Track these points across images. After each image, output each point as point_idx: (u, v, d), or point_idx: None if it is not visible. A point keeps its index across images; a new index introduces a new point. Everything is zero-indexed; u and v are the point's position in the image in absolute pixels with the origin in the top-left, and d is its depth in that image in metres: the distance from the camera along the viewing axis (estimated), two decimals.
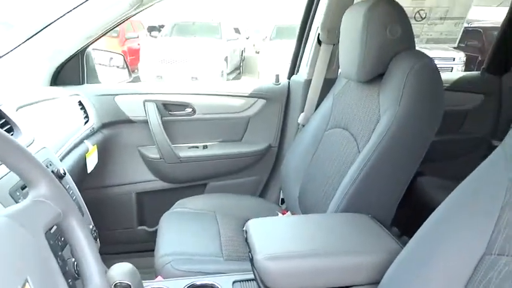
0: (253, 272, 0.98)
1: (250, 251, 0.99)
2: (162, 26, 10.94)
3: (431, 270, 0.75)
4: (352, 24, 1.26)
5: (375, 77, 1.24)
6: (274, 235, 1.05)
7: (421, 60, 1.16)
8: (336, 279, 0.94)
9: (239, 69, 10.59)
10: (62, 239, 0.85)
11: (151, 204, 1.87)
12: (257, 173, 1.95)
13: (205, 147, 1.87)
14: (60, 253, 0.76)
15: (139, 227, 1.88)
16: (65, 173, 1.01)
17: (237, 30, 11.72)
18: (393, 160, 1.17)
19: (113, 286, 0.73)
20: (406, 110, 1.13)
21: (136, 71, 8.41)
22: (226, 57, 8.69)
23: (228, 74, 8.98)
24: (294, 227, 1.13)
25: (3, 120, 1.03)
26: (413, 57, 1.17)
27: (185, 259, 1.26)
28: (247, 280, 1.14)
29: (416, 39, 2.04)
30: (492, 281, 0.65)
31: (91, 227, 1.05)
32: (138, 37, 9.53)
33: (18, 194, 0.86)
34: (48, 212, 0.58)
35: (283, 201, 1.91)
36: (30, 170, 0.58)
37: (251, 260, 0.98)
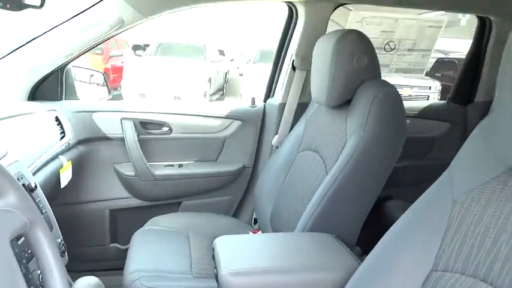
0: (218, 287, 1.01)
1: (215, 267, 1.02)
2: (147, 45, 11.00)
3: (384, 285, 0.80)
4: (322, 53, 1.34)
5: (343, 102, 1.31)
6: (240, 252, 1.09)
7: (385, 89, 1.23)
8: None
9: (222, 91, 10.70)
10: (29, 250, 0.87)
11: (125, 221, 1.88)
12: (231, 193, 1.98)
13: (180, 166, 1.90)
14: (24, 261, 0.78)
15: (112, 244, 1.87)
16: (36, 187, 1.03)
17: (221, 52, 11.87)
18: (358, 182, 1.23)
19: None
20: (370, 135, 1.20)
21: (119, 88, 8.41)
22: (210, 78, 8.79)
23: (211, 95, 9.06)
24: (260, 244, 1.17)
25: None
26: (377, 86, 1.25)
27: (154, 276, 1.28)
28: None
29: (386, 69, 2.16)
30: None
31: (59, 240, 1.06)
32: (122, 55, 9.57)
33: None
34: (14, 221, 0.61)
35: (256, 221, 1.94)
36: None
37: (216, 276, 1.01)
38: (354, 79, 1.28)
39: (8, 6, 0.84)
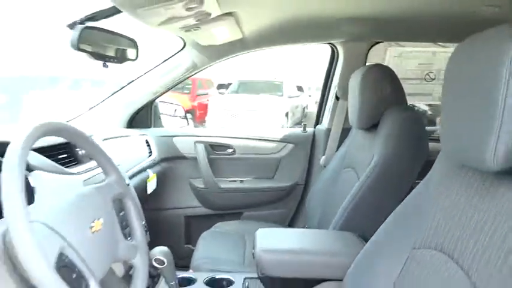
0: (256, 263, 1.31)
1: (253, 247, 1.33)
2: (230, 84, 11.92)
3: (377, 263, 1.03)
4: (354, 84, 1.61)
5: (371, 126, 1.55)
6: (273, 238, 1.39)
7: (406, 114, 1.45)
8: (309, 272, 1.24)
9: (300, 124, 11.06)
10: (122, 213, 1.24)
11: (196, 226, 2.26)
12: (286, 206, 2.28)
13: (242, 181, 2.26)
14: (120, 213, 1.15)
15: (185, 245, 2.26)
16: (128, 184, 1.45)
17: (299, 88, 12.35)
18: (380, 192, 1.45)
19: (152, 260, 1.12)
20: (391, 153, 1.40)
21: (203, 124, 9.20)
22: (287, 112, 9.25)
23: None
24: (291, 235, 1.46)
25: None
26: (399, 111, 1.47)
27: (213, 261, 1.62)
28: (256, 278, 1.46)
29: (430, 97, 2.34)
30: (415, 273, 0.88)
31: (143, 222, 1.45)
32: (207, 94, 10.47)
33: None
34: (114, 189, 1.00)
35: None
36: (107, 165, 1.01)
37: (253, 254, 1.32)
38: (379, 105, 1.52)
39: (114, 60, 1.28)
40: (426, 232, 0.87)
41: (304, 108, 11.77)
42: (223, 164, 2.27)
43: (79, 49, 1.09)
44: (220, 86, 12.16)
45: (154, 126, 2.27)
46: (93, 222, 0.84)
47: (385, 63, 2.12)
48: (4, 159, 0.68)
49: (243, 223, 2.11)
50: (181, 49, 1.87)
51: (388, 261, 0.98)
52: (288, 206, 2.29)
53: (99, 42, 1.18)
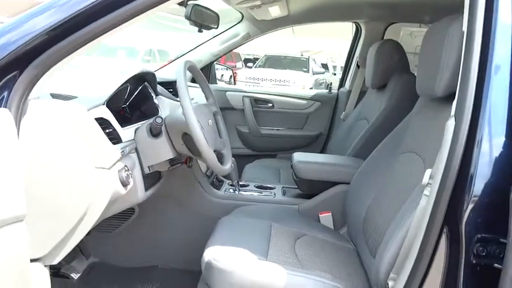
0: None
1: (291, 161, 1.91)
2: (257, 59, 12.42)
3: (374, 168, 1.60)
4: (371, 55, 2.12)
5: (381, 86, 2.10)
6: (305, 156, 1.97)
7: (407, 77, 1.97)
8: (328, 177, 1.84)
9: None
10: None
11: (240, 162, 2.87)
12: (311, 151, 2.87)
13: (278, 129, 2.86)
14: None
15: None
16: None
17: (325, 66, 12.75)
18: (382, 131, 2.01)
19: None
20: (394, 104, 1.98)
21: None
22: (311, 88, 9.74)
23: None
24: (316, 155, 2.05)
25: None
26: (403, 76, 1.99)
27: (258, 179, 2.20)
28: (288, 187, 2.03)
29: None
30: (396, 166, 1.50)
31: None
32: (235, 66, 11.01)
33: None
34: (212, 107, 1.59)
35: None
36: (208, 91, 1.61)
37: (291, 165, 1.90)
38: (388, 70, 2.05)
39: (205, 28, 1.86)
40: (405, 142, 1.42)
41: (328, 86, 12.15)
42: (264, 115, 2.87)
43: (190, 19, 1.68)
44: (247, 60, 12.70)
45: (211, 83, 2.87)
46: (209, 119, 1.45)
47: (399, 40, 2.65)
48: (177, 78, 1.28)
49: (276, 161, 2.71)
50: (239, 22, 2.45)
51: (383, 164, 1.49)
52: (313, 151, 2.88)
53: (199, 15, 1.76)
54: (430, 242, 0.88)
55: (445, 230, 0.87)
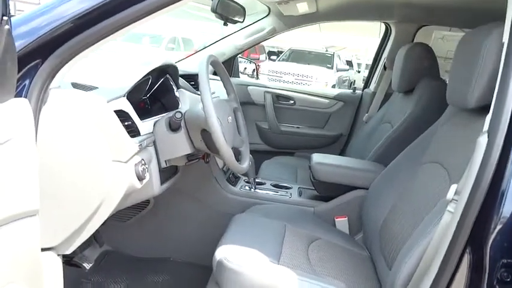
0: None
1: (310, 162, 1.88)
2: (281, 52, 12.33)
3: (395, 177, 1.56)
4: (400, 57, 2.06)
5: (408, 90, 2.03)
6: (323, 157, 1.93)
7: (436, 83, 1.90)
8: (346, 180, 1.79)
9: None
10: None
11: (257, 158, 2.85)
12: (330, 152, 2.79)
13: (298, 127, 2.82)
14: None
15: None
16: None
17: (349, 63, 12.58)
18: (405, 138, 1.96)
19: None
20: (420, 111, 1.91)
21: None
22: (334, 85, 9.62)
23: None
24: (335, 157, 2.01)
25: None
26: (432, 81, 1.93)
27: (274, 178, 2.18)
28: (305, 188, 2.00)
29: None
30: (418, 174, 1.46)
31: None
32: (258, 59, 10.95)
33: None
34: (233, 104, 1.57)
35: None
36: (229, 87, 1.59)
37: (309, 167, 1.87)
38: (416, 74, 1.98)
39: (231, 21, 1.84)
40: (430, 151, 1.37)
41: (351, 84, 12.03)
42: (285, 112, 2.83)
43: (216, 12, 1.65)
44: (271, 53, 12.62)
45: (233, 76, 2.84)
46: (229, 116, 1.43)
47: (430, 44, 2.56)
48: (199, 72, 1.26)
49: (294, 159, 2.67)
50: (266, 16, 2.41)
51: (405, 172, 1.45)
52: (332, 152, 2.83)
53: (225, 8, 1.73)
54: (451, 262, 0.84)
55: (467, 250, 0.83)
